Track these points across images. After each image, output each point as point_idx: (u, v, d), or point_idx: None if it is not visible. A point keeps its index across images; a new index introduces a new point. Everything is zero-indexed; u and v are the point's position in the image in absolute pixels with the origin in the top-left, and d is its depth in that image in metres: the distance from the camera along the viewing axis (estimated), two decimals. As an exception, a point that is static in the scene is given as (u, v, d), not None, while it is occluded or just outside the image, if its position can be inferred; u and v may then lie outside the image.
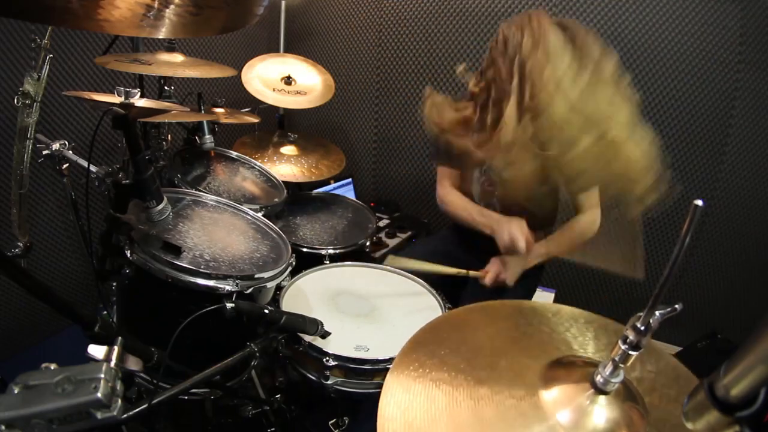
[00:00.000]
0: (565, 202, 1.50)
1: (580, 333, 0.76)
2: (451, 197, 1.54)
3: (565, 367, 0.66)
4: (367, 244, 1.63)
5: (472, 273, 1.38)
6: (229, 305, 0.90)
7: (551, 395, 0.61)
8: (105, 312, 1.10)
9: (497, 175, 1.45)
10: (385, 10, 2.36)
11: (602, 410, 0.58)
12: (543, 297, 2.12)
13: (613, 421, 0.58)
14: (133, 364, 0.72)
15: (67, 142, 1.10)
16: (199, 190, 1.30)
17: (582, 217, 1.40)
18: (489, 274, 1.36)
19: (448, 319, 0.78)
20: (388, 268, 1.42)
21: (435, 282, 1.36)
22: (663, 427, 0.59)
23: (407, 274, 1.38)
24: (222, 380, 1.06)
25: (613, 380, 0.57)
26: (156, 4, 0.69)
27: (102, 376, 0.56)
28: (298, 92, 1.89)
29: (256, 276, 1.00)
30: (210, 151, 1.60)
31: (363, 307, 1.23)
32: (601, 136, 1.02)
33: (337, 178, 2.23)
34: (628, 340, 0.54)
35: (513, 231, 1.27)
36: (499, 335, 0.75)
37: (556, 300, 2.15)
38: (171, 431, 1.18)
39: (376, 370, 1.05)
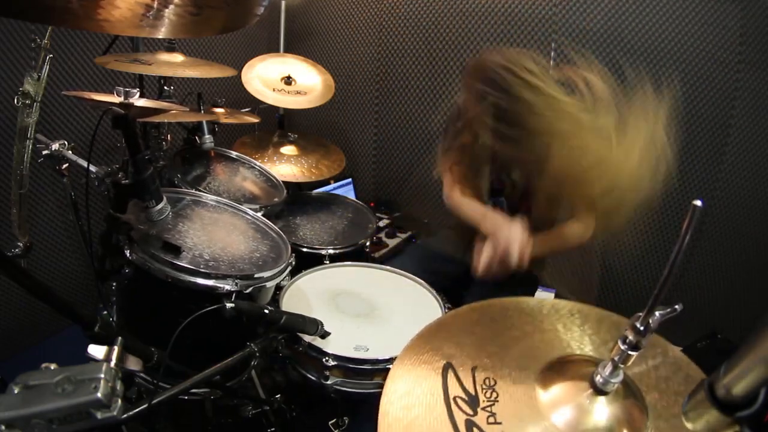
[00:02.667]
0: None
1: (579, 329, 0.75)
2: (456, 194, 1.48)
3: (564, 366, 0.66)
4: (367, 244, 1.63)
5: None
6: (228, 305, 0.90)
7: (551, 394, 0.61)
8: (105, 312, 1.10)
9: (506, 176, 1.45)
10: (385, 10, 2.36)
11: (602, 408, 0.58)
12: (543, 297, 2.12)
13: (614, 418, 0.58)
14: (133, 364, 0.72)
15: (66, 142, 1.10)
16: (199, 190, 1.30)
17: (575, 224, 1.36)
18: (482, 260, 1.23)
19: (450, 318, 0.78)
20: (388, 268, 1.42)
21: (435, 282, 1.35)
22: (665, 424, 0.59)
23: (407, 274, 1.38)
24: (222, 380, 1.06)
25: (612, 380, 0.57)
26: (156, 4, 0.70)
27: (102, 376, 0.56)
28: (298, 92, 1.89)
29: (256, 276, 1.00)
30: (210, 151, 1.60)
31: (363, 307, 1.23)
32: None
33: (337, 178, 2.23)
34: (627, 341, 0.54)
35: (511, 240, 1.19)
36: (500, 334, 0.75)
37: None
38: (171, 431, 1.18)
39: (375, 370, 1.05)
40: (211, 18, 0.82)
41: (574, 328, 0.75)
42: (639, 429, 0.58)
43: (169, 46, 1.49)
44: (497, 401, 0.61)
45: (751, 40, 1.79)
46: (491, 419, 0.58)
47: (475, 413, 0.59)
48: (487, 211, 1.40)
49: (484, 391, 0.62)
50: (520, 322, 0.76)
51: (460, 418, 0.59)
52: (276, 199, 1.48)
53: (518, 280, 1.39)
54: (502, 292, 1.45)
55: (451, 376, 0.64)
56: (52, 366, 0.55)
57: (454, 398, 0.61)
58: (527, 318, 0.77)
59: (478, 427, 0.58)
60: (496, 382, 0.63)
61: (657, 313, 0.52)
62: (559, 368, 0.66)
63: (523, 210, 1.41)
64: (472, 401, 0.61)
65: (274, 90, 1.85)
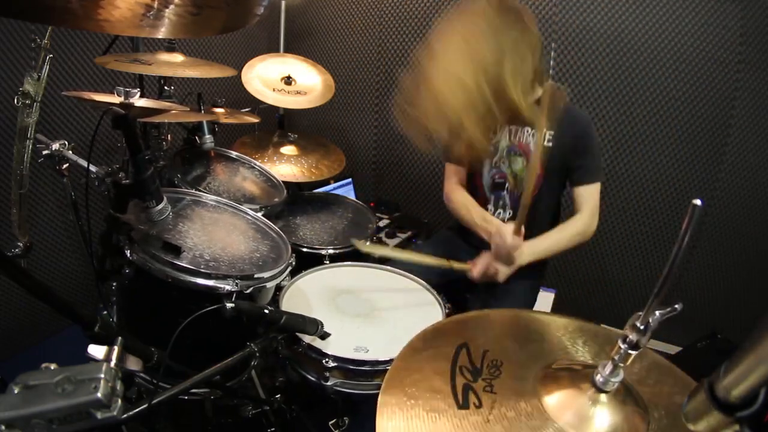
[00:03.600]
0: (567, 208, 1.49)
1: (572, 342, 0.76)
2: (456, 196, 1.53)
3: (564, 372, 0.66)
4: (367, 244, 1.63)
5: (456, 265, 1.34)
6: (229, 305, 0.90)
7: (552, 400, 0.61)
8: (105, 312, 1.10)
9: (508, 168, 1.46)
10: (385, 10, 2.36)
11: (604, 412, 0.58)
12: (543, 297, 2.11)
13: (615, 423, 0.58)
14: (133, 364, 0.72)
15: (67, 142, 1.10)
16: (199, 190, 1.30)
17: (580, 218, 1.38)
18: (476, 267, 1.32)
19: (420, 342, 0.78)
20: (388, 268, 1.42)
21: (435, 282, 1.35)
22: (665, 427, 0.59)
23: (407, 274, 1.38)
24: (222, 380, 1.06)
25: (612, 379, 0.57)
26: (156, 4, 0.70)
27: (102, 376, 0.56)
28: (298, 92, 1.89)
29: (256, 276, 1.00)
30: (210, 151, 1.60)
31: (363, 308, 1.23)
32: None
33: (337, 178, 2.23)
34: (627, 340, 0.54)
35: (501, 238, 1.26)
36: (522, 336, 0.77)
37: (557, 300, 2.15)
38: (171, 431, 1.18)
39: (375, 371, 1.05)
40: (211, 18, 0.82)
41: (595, 346, 0.76)
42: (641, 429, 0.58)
43: (169, 46, 1.49)
44: (498, 377, 0.66)
45: (751, 40, 1.79)
46: (488, 388, 0.63)
47: (475, 381, 0.65)
48: (485, 215, 1.45)
49: (489, 368, 0.67)
50: (544, 331, 0.79)
51: (460, 382, 0.65)
52: (276, 199, 1.48)
53: (521, 277, 1.41)
54: (505, 293, 1.47)
55: (463, 352, 0.71)
56: (52, 366, 0.55)
57: (460, 367, 0.67)
58: (553, 328, 0.79)
59: (474, 391, 0.63)
60: (502, 364, 0.68)
61: (657, 313, 0.52)
62: (565, 369, 0.67)
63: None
64: (475, 372, 0.67)
65: (274, 90, 1.85)
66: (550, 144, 1.38)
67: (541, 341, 0.75)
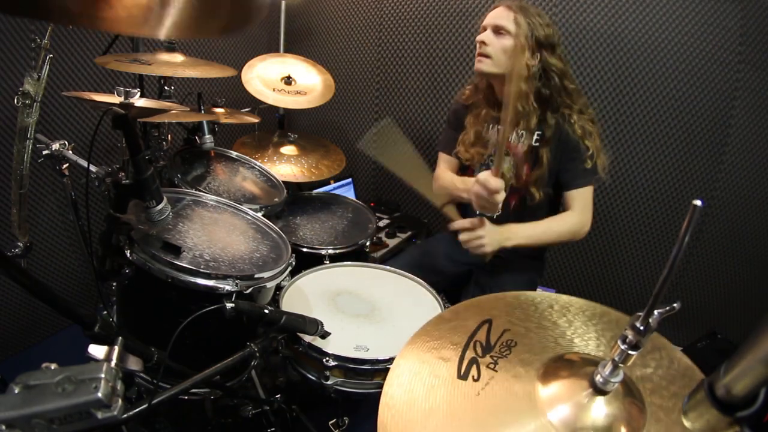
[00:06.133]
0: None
1: (584, 326, 0.76)
2: (443, 175, 1.61)
3: (564, 364, 0.66)
4: (367, 244, 1.63)
5: (447, 209, 1.33)
6: (229, 305, 0.90)
7: (550, 392, 0.61)
8: (105, 312, 1.10)
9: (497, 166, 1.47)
10: (385, 10, 2.36)
11: (601, 406, 0.58)
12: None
13: (612, 416, 0.58)
14: (133, 364, 0.72)
15: (67, 142, 1.10)
16: (199, 190, 1.30)
17: (572, 215, 1.38)
18: (465, 223, 1.28)
19: (449, 314, 0.80)
20: (388, 268, 1.42)
21: (435, 282, 1.36)
22: (664, 422, 0.59)
23: (407, 274, 1.39)
24: (222, 380, 1.06)
25: (612, 380, 0.57)
26: (156, 4, 0.69)
27: (102, 375, 0.56)
28: (298, 92, 1.89)
29: (256, 276, 1.00)
30: (210, 151, 1.60)
31: (363, 307, 1.23)
32: None
33: (337, 178, 2.23)
34: (627, 340, 0.54)
35: (480, 180, 1.22)
36: (546, 319, 0.77)
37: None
38: (171, 431, 1.18)
39: (376, 370, 1.05)
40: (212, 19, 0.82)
41: (608, 334, 0.76)
42: (638, 428, 0.58)
43: (169, 46, 1.49)
44: (506, 357, 0.68)
45: (751, 40, 1.79)
46: (491, 365, 0.66)
47: (483, 357, 0.68)
48: (464, 179, 1.50)
49: (501, 347, 0.70)
50: (573, 319, 0.78)
51: (469, 355, 0.68)
52: (276, 199, 1.48)
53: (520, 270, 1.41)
54: (503, 286, 1.48)
55: (484, 327, 0.74)
56: (53, 366, 0.55)
57: (475, 342, 0.71)
58: (577, 314, 0.79)
59: (477, 366, 0.66)
60: (515, 345, 0.70)
61: (655, 312, 0.51)
62: (572, 362, 0.67)
63: (513, 204, 1.45)
64: (487, 348, 0.70)
65: (274, 90, 1.85)
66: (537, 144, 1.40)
67: (566, 328, 0.75)
